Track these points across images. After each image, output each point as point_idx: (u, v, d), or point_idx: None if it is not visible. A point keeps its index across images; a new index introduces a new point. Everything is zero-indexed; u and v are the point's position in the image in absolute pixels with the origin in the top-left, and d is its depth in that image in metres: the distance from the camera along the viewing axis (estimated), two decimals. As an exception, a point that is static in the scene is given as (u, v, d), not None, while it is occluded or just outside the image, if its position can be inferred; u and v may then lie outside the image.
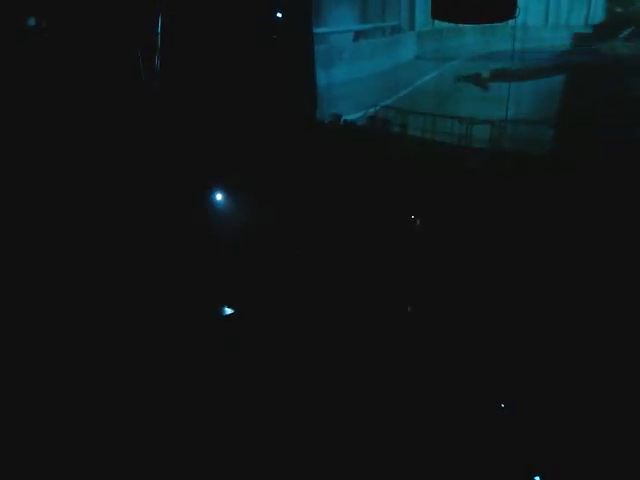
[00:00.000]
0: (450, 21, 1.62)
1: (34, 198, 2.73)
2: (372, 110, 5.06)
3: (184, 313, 2.40)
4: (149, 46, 2.55)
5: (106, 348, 2.23)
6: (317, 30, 4.91)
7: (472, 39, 5.03)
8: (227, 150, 3.02)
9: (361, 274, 2.41)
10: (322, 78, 5.13)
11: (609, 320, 1.63)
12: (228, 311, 2.46)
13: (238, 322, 2.34)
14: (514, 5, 1.31)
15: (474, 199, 2.36)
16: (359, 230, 2.50)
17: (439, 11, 1.44)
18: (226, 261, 2.63)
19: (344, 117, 4.83)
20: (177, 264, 2.63)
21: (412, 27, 5.52)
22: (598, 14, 4.71)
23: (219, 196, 3.11)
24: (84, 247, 2.69)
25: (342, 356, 2.03)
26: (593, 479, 1.35)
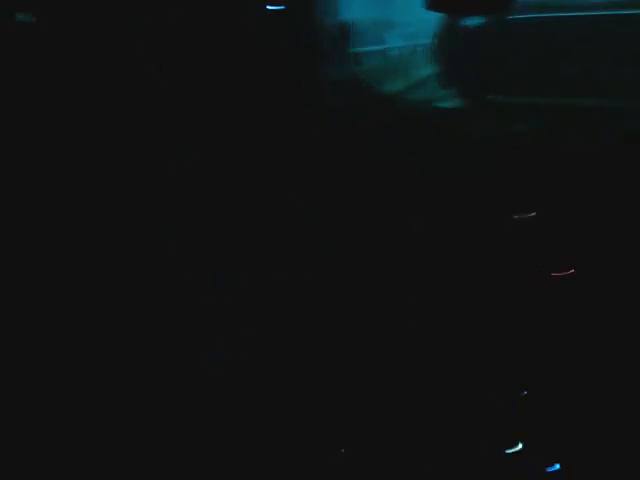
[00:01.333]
0: (449, 12, 1.53)
1: (32, 192, 2.72)
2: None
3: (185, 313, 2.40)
4: (146, 43, 2.55)
5: (101, 346, 2.23)
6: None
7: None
8: (229, 148, 3.02)
9: (366, 273, 2.42)
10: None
11: (609, 320, 1.63)
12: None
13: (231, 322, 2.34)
14: None
15: (471, 197, 2.36)
16: (363, 230, 2.52)
17: (438, 1, 1.36)
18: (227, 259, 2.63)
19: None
20: (179, 263, 2.64)
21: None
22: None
23: (220, 194, 3.09)
24: (82, 243, 2.69)
25: (341, 353, 2.03)
26: (589, 478, 1.36)
